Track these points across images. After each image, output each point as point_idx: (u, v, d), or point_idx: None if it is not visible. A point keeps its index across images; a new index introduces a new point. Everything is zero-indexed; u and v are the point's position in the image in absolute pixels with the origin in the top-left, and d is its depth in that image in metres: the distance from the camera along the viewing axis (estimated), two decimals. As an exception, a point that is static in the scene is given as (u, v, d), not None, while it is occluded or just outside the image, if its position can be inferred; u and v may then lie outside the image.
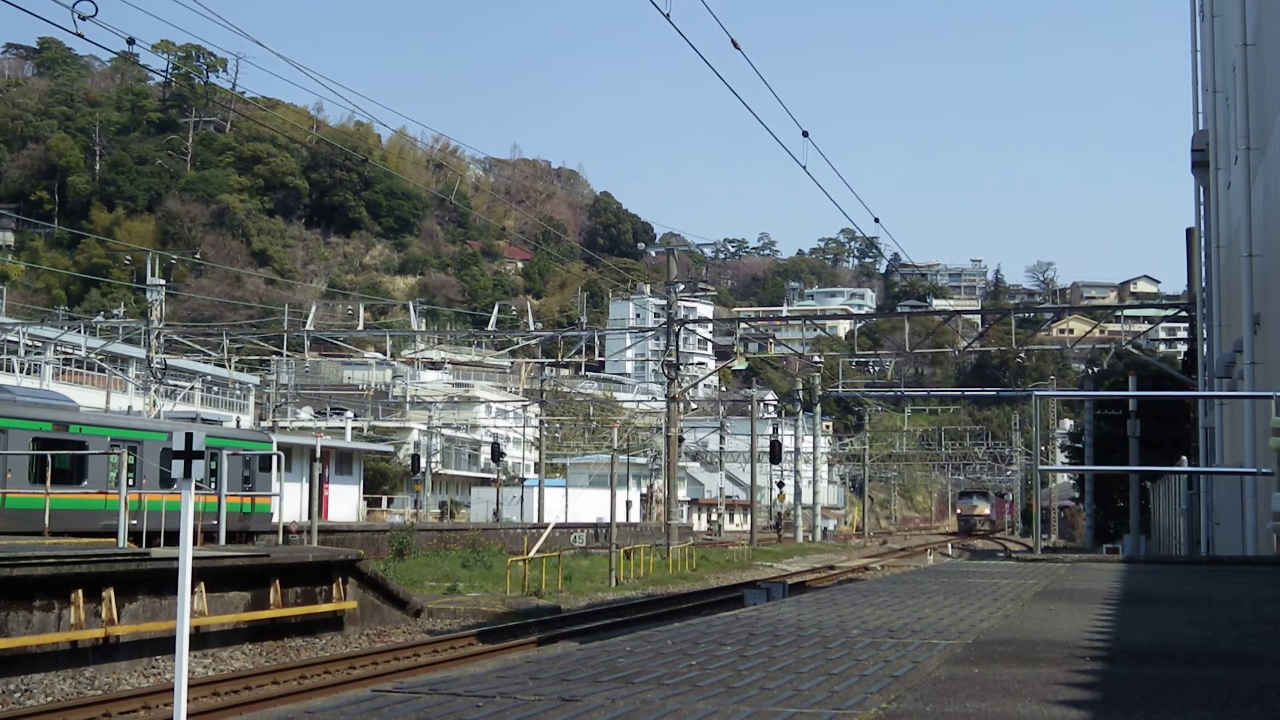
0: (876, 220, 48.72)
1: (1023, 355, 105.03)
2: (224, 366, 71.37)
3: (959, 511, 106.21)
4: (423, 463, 67.65)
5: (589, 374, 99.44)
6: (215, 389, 74.27)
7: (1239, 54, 19.23)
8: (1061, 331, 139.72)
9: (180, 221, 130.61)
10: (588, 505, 65.01)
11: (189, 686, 10.82)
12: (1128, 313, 53.49)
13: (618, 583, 33.33)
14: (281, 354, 68.78)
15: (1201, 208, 25.60)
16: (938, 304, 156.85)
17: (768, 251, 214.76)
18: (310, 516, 31.13)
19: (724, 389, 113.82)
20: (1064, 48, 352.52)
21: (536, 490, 62.66)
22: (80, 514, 27.65)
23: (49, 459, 26.66)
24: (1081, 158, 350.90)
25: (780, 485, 74.56)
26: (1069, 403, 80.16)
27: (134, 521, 24.02)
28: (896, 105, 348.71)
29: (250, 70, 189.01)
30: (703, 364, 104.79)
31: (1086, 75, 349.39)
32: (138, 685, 16.57)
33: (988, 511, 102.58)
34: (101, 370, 61.97)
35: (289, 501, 36.65)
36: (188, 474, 9.95)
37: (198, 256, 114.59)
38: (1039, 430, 14.14)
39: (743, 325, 62.84)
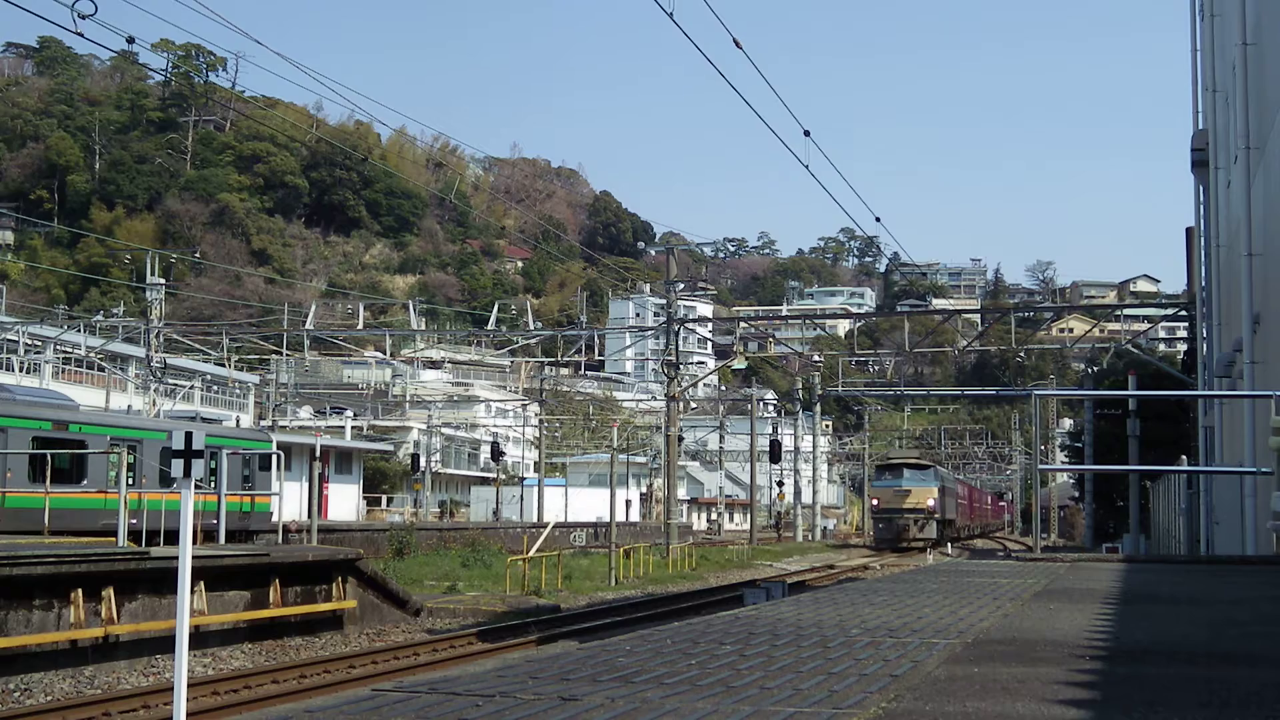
0: (878, 219, 48.64)
1: (1022, 355, 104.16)
2: (224, 366, 71.39)
3: (875, 503, 63.87)
4: (422, 462, 67.68)
5: (589, 373, 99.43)
6: (215, 388, 74.27)
7: (1239, 54, 19.23)
8: (1061, 331, 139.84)
9: (180, 220, 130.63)
10: (587, 504, 65.01)
11: (189, 686, 10.82)
12: (1127, 312, 53.42)
13: (617, 582, 33.32)
14: (281, 353, 68.80)
15: (1201, 207, 25.61)
16: (937, 303, 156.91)
17: (767, 251, 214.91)
18: (310, 515, 31.10)
19: (724, 388, 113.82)
20: (1064, 48, 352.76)
21: (536, 489, 62.64)
22: (80, 513, 27.63)
23: (49, 458, 26.62)
24: (1082, 157, 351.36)
25: (780, 484, 74.55)
26: (1068, 402, 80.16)
27: (134, 521, 24.02)
28: (897, 104, 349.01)
29: (250, 69, 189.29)
30: (702, 363, 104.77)
31: (1086, 75, 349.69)
32: (137, 684, 16.56)
33: (931, 503, 60.89)
34: (101, 369, 61.96)
35: (289, 500, 36.63)
36: (187, 473, 9.94)
37: (197, 256, 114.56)
38: (1039, 429, 14.16)
39: (742, 324, 62.71)
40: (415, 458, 69.23)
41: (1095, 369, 58.96)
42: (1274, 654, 5.55)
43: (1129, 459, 33.21)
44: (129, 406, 52.00)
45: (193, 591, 17.76)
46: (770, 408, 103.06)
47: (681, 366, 46.45)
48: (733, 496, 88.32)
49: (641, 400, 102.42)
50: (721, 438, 79.68)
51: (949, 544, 60.04)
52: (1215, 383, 23.07)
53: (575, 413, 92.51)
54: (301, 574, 21.50)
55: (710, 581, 36.49)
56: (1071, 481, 77.32)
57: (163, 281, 54.09)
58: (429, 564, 35.60)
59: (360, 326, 59.08)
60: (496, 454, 67.30)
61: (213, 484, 29.73)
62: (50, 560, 16.58)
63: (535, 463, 75.39)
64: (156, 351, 49.43)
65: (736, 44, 20.90)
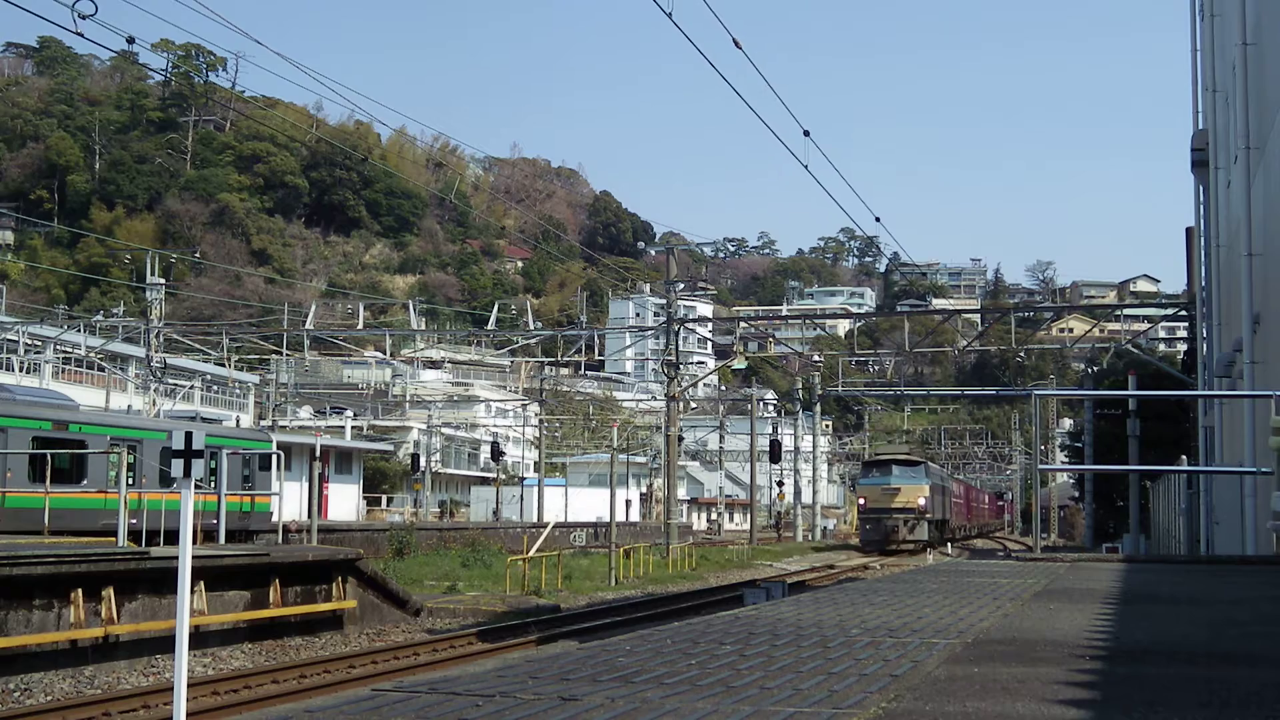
0: (877, 219, 48.56)
1: (1022, 355, 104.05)
2: (223, 366, 71.38)
3: (862, 501, 60.64)
4: (422, 462, 67.68)
5: (589, 373, 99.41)
6: (215, 388, 74.26)
7: (1239, 53, 19.23)
8: (1061, 331, 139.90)
9: (180, 220, 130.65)
10: (587, 504, 65.00)
11: (189, 685, 10.82)
12: (1127, 312, 53.40)
13: (617, 582, 33.32)
14: (281, 353, 68.78)
15: (1201, 207, 25.62)
16: (937, 303, 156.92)
17: (767, 251, 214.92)
18: (310, 515, 31.10)
19: (724, 388, 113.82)
20: (1064, 48, 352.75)
21: (536, 489, 62.64)
22: (80, 513, 27.63)
23: (49, 458, 26.61)
24: (1082, 157, 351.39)
25: (780, 484, 74.53)
26: (1068, 402, 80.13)
27: (134, 521, 24.02)
28: (897, 104, 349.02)
29: (250, 69, 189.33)
30: (702, 363, 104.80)
31: (1086, 75, 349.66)
32: (137, 684, 16.56)
33: (922, 501, 57.21)
34: (101, 369, 61.96)
35: (289, 500, 36.63)
36: (187, 473, 9.94)
37: (197, 255, 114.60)
38: (1039, 429, 14.16)
39: (742, 324, 62.74)
40: (415, 458, 69.22)
41: (1095, 369, 58.93)
42: (1274, 654, 5.55)
43: (1129, 459, 33.20)
44: (129, 406, 52.01)
45: (193, 591, 17.76)
46: (770, 408, 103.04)
47: (681, 366, 46.45)
48: (733, 496, 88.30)
49: (641, 400, 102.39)
50: (721, 438, 79.67)
51: (948, 544, 59.72)
52: (1215, 383, 23.07)
53: (575, 413, 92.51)
54: (301, 574, 21.50)
55: (710, 581, 36.49)
56: (1071, 481, 77.32)
57: (163, 281, 54.10)
58: (429, 564, 35.60)
59: (360, 326, 59.07)
60: (496, 454, 67.31)
61: (213, 484, 29.72)
62: (50, 560, 16.58)
63: (535, 463, 75.39)
64: (156, 351, 49.42)
65: (736, 44, 20.91)
